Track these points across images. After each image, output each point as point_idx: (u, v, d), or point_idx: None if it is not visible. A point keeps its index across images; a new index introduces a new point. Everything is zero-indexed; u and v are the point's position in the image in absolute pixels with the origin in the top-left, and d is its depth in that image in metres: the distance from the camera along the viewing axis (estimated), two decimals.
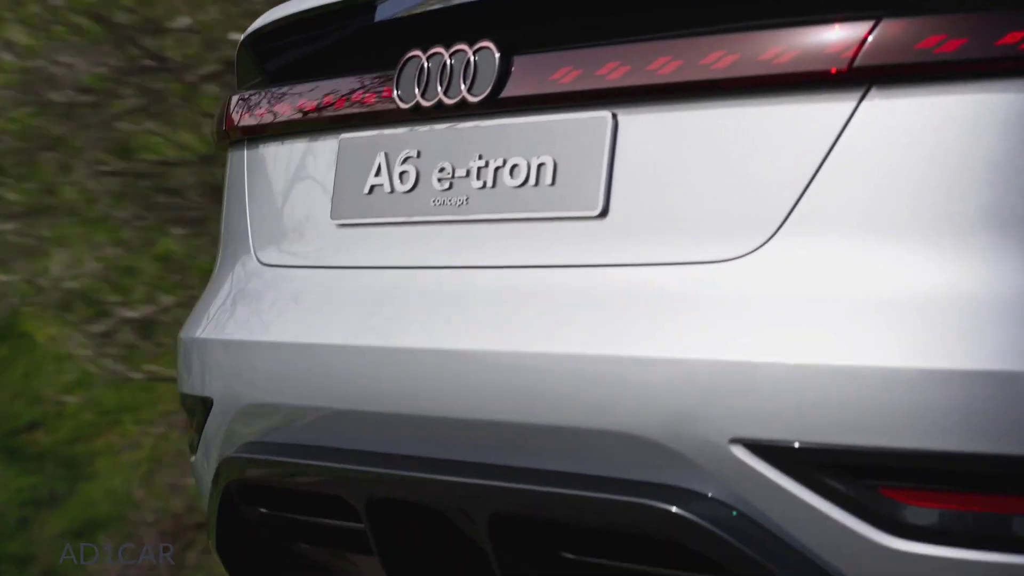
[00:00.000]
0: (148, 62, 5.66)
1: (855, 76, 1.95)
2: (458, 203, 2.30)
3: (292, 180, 2.60)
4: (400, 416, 2.28)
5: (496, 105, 2.26)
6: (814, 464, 1.92)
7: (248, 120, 2.67)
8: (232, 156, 2.75)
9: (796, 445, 1.92)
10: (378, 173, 2.42)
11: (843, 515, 1.91)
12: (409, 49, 2.36)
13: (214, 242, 2.86)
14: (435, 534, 2.32)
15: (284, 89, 2.61)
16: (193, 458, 2.71)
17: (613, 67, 2.14)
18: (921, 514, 1.88)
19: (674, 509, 1.99)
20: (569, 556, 2.19)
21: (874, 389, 1.88)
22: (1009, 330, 1.83)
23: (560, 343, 2.12)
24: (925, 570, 1.88)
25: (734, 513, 1.97)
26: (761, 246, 2.00)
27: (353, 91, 2.47)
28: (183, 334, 2.72)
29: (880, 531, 1.89)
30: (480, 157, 2.28)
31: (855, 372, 1.89)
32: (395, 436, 2.30)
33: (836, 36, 1.96)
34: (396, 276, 2.37)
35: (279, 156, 2.63)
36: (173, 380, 2.96)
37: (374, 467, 2.31)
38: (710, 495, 1.99)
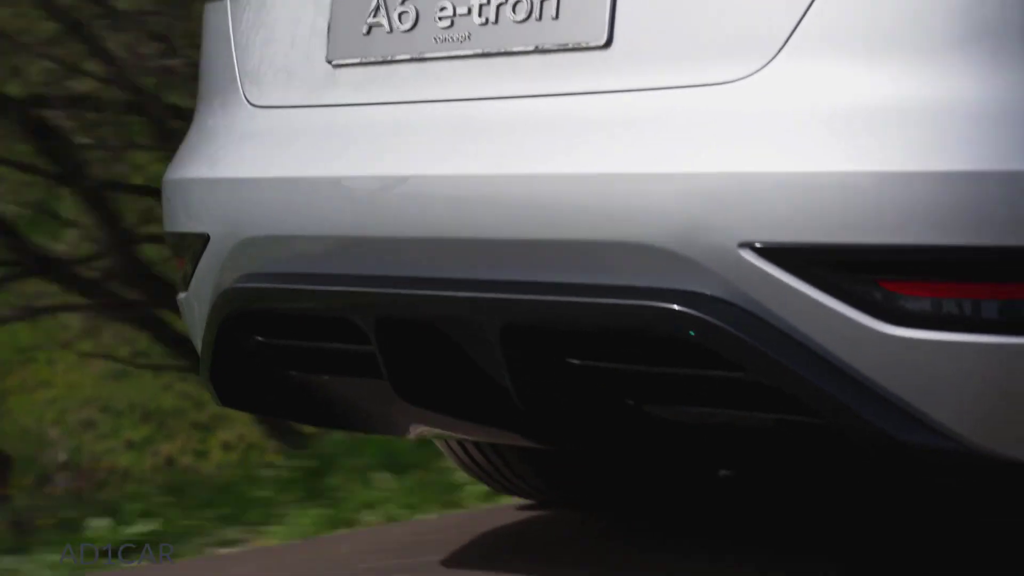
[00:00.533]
0: None
1: None
2: (460, 39, 2.45)
3: (282, 25, 2.72)
4: (411, 240, 2.44)
5: None
6: (817, 262, 2.12)
7: None
8: (211, 6, 2.86)
9: (801, 246, 2.12)
10: (376, 14, 2.55)
11: (844, 307, 2.11)
12: None
13: None
14: (443, 353, 2.49)
15: None
16: (183, 295, 2.84)
17: None
18: (914, 302, 2.09)
19: (687, 309, 2.19)
20: (575, 362, 2.38)
21: (872, 191, 2.09)
22: (996, 135, 2.05)
23: (572, 163, 2.29)
24: (917, 352, 2.09)
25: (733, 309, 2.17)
26: (764, 66, 2.18)
27: None
28: (170, 176, 2.84)
29: (878, 320, 2.10)
30: None
31: (855, 177, 2.10)
32: (405, 260, 2.46)
33: None
34: (400, 110, 2.52)
35: (265, 2, 2.75)
36: None
37: (386, 288, 2.47)
38: (719, 296, 2.18)
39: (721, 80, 2.21)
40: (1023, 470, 2.11)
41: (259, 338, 2.72)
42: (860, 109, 2.12)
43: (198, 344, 2.82)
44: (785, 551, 3.06)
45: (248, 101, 2.74)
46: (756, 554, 3.03)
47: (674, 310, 2.20)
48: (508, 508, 3.48)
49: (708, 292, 2.19)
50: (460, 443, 3.33)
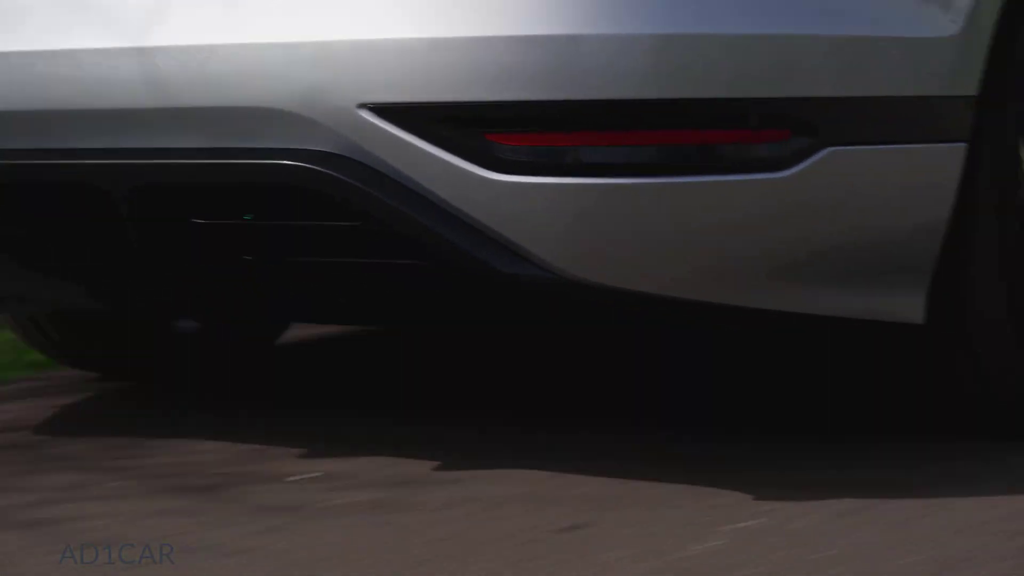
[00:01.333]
0: None
1: None
2: None
3: None
4: (34, 112, 2.56)
5: None
6: (429, 119, 2.40)
7: None
8: None
9: (412, 104, 2.40)
10: None
11: (454, 158, 2.40)
12: None
13: None
14: (74, 221, 2.63)
15: None
16: None
17: None
18: (513, 151, 2.40)
19: (311, 165, 2.43)
20: (199, 221, 2.57)
21: (473, 53, 2.38)
22: (560, 2, 2.36)
23: (197, 36, 2.47)
24: (518, 196, 2.40)
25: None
26: None
27: None
28: None
29: (484, 168, 2.40)
30: None
31: (457, 42, 2.38)
32: (30, 132, 2.57)
33: None
34: None
35: None
36: None
37: (7, 160, 2.59)
38: (342, 153, 2.42)
39: None
40: (607, 293, 2.47)
41: None
42: None
43: None
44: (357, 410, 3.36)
45: None
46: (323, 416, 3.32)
47: (298, 166, 2.43)
48: (76, 379, 3.62)
49: (331, 150, 2.43)
50: (32, 318, 3.44)
